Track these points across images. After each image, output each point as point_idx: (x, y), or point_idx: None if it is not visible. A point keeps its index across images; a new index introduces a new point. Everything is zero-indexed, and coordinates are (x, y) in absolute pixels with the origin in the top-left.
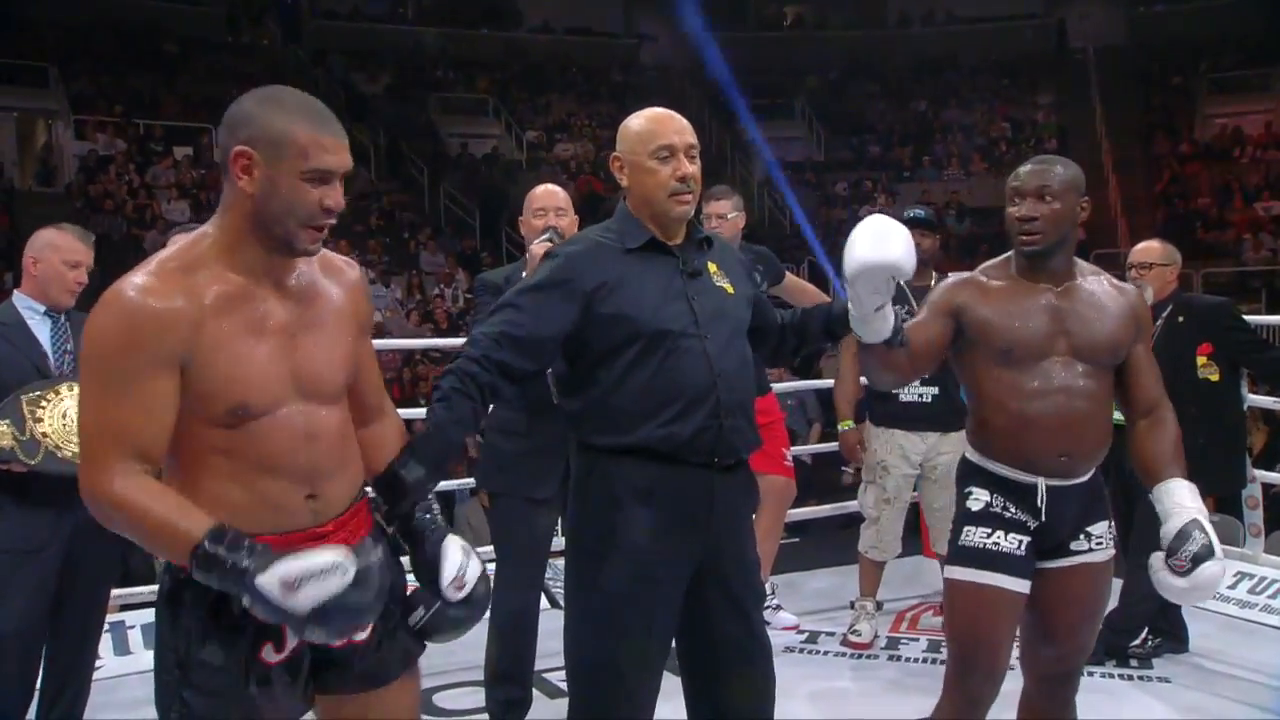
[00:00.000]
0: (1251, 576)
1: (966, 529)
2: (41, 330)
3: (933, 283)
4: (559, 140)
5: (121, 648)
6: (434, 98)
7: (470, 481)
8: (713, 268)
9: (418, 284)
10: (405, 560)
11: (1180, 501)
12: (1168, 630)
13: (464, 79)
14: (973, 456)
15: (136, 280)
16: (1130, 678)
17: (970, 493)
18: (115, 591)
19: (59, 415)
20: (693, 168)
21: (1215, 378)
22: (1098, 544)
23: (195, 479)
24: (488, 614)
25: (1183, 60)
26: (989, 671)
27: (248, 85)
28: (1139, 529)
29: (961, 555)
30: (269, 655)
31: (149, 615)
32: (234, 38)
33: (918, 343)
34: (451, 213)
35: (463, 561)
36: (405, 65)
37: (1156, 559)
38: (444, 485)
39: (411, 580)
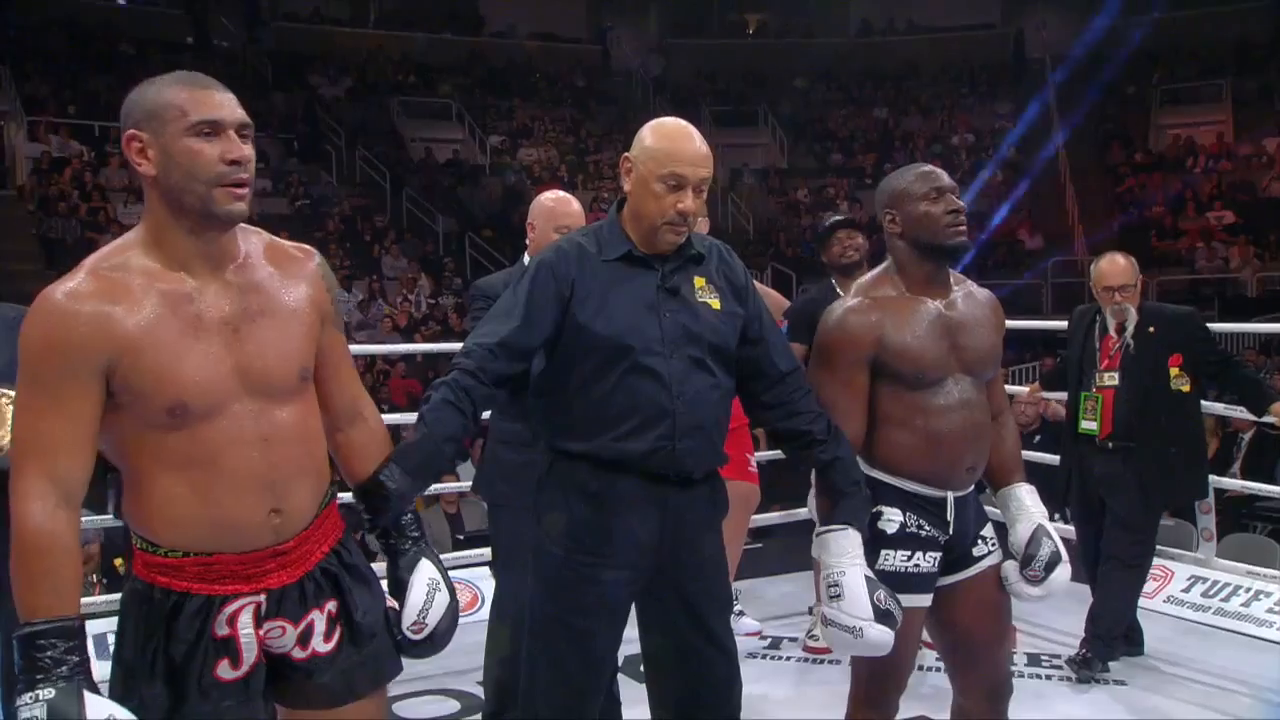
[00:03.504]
0: (1204, 580)
1: (885, 552)
2: None
3: None
4: (522, 145)
5: None
6: (396, 101)
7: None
8: (700, 282)
9: (379, 289)
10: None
11: (1026, 506)
12: (1123, 634)
13: (426, 83)
14: (879, 475)
15: (63, 285)
16: (1088, 680)
17: (881, 513)
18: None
19: None
20: (696, 203)
21: (1187, 389)
22: (993, 545)
23: (150, 499)
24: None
25: (1137, 71)
26: (899, 688)
27: None
28: (1110, 533)
29: (882, 580)
30: (225, 672)
31: (100, 625)
32: (193, 39)
33: (859, 421)
34: (414, 217)
35: (425, 602)
36: (367, 68)
37: (1011, 569)
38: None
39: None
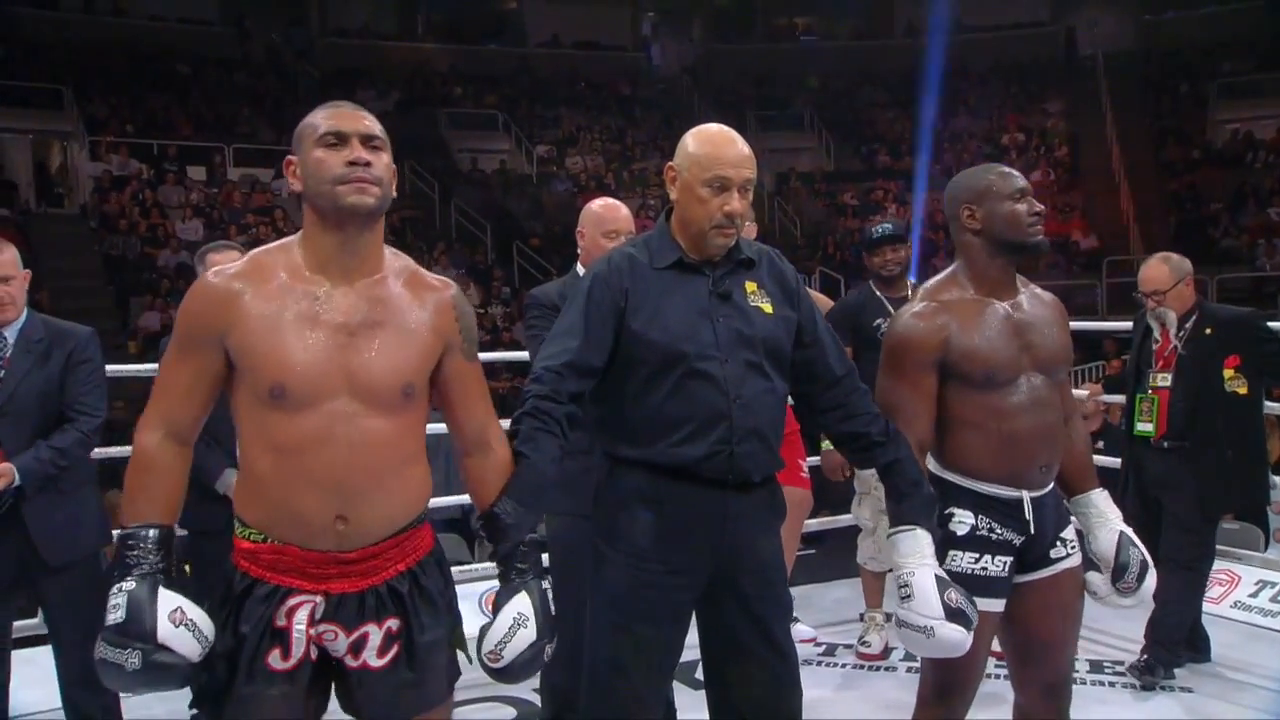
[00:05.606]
0: (1273, 585)
1: (953, 553)
2: None
3: (909, 293)
4: (568, 154)
5: None
6: (443, 113)
7: None
8: (751, 287)
9: None
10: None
11: (1104, 512)
12: (1188, 640)
13: (472, 94)
14: (951, 477)
15: (224, 266)
16: (1152, 687)
17: (953, 514)
18: None
19: None
20: (742, 204)
21: (1243, 390)
22: (1072, 548)
23: (246, 477)
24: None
25: (1192, 66)
26: (966, 692)
27: (260, 104)
28: (1167, 535)
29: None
30: (275, 662)
31: None
32: (246, 57)
33: (926, 424)
34: (462, 227)
35: (506, 634)
36: (414, 81)
37: (1099, 582)
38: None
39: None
